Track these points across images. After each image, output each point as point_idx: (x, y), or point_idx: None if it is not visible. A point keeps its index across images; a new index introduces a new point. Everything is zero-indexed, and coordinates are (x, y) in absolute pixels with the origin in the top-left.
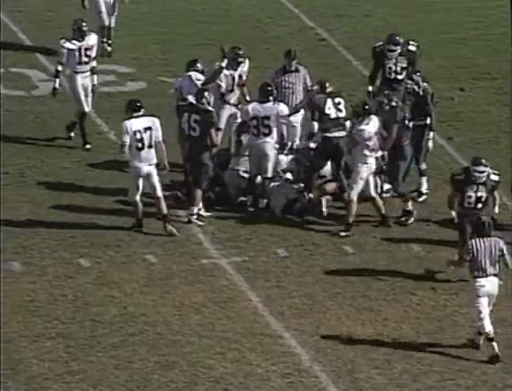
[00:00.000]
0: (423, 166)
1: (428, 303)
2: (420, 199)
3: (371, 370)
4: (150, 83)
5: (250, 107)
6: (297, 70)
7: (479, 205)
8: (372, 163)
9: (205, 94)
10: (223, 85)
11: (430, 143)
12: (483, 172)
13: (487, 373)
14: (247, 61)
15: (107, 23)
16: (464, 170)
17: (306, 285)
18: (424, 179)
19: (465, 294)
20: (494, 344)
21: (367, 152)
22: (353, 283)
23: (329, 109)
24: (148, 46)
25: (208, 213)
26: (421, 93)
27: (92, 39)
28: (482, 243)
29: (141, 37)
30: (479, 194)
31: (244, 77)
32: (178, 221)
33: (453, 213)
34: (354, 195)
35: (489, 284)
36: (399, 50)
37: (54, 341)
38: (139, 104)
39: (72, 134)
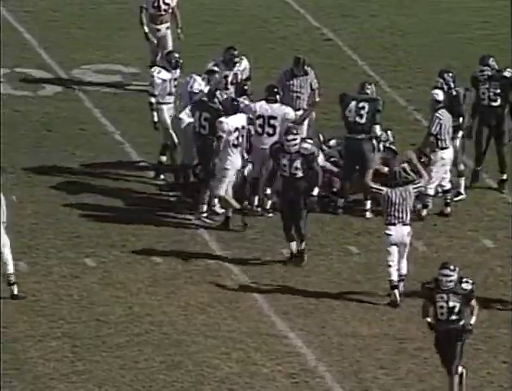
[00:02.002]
0: (461, 167)
1: None
2: (456, 199)
3: (377, 370)
4: None
5: (258, 105)
6: (305, 73)
7: (453, 317)
8: (235, 159)
9: (217, 93)
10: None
11: (458, 142)
12: (450, 276)
13: (492, 374)
14: (245, 60)
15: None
16: (434, 280)
17: (311, 285)
18: (462, 179)
19: None
20: (396, 292)
21: (228, 149)
22: (358, 282)
23: (349, 112)
24: None
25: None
26: (454, 93)
27: (179, 69)
28: (394, 193)
29: None
30: (451, 304)
31: (239, 76)
32: (182, 222)
33: (428, 319)
34: (219, 191)
35: (398, 232)
36: (489, 73)
37: (59, 341)
38: None
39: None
